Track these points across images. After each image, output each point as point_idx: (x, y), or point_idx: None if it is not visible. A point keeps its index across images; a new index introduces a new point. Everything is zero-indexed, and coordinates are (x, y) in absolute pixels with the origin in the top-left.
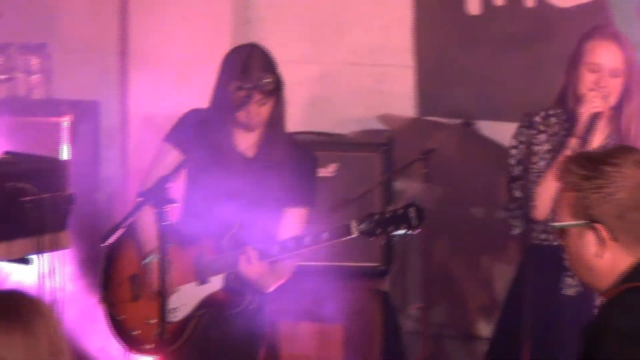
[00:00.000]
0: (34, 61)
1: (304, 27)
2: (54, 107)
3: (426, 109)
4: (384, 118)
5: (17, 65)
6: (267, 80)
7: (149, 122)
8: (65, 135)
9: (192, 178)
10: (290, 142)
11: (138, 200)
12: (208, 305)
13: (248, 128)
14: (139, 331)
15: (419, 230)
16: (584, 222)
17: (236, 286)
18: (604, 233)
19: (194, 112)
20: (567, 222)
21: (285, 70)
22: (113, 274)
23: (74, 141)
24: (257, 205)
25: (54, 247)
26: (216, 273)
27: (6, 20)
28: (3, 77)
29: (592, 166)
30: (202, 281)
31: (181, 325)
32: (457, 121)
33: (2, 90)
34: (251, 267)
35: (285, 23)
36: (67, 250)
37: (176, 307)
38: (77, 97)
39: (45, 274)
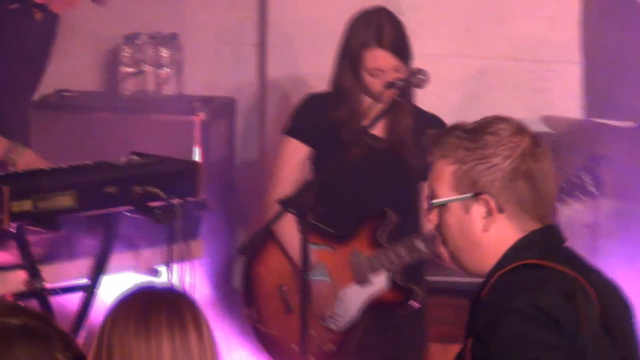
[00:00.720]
0: (165, 53)
1: (460, 18)
2: (185, 103)
3: (595, 109)
4: (547, 119)
5: (146, 57)
6: (421, 77)
7: None
8: (197, 134)
9: (322, 168)
10: (417, 111)
11: (278, 208)
12: (374, 307)
13: (377, 99)
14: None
15: (594, 196)
16: (470, 194)
17: (403, 282)
18: (492, 204)
19: (312, 98)
20: (449, 197)
21: (439, 65)
22: (258, 288)
23: (207, 141)
24: (397, 186)
25: (185, 257)
26: (377, 270)
27: (134, 9)
28: (131, 70)
29: (473, 137)
30: (363, 281)
31: (346, 332)
32: (630, 124)
33: (129, 85)
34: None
35: (440, 13)
36: (199, 260)
37: (338, 314)
38: (210, 93)
39: (175, 286)
